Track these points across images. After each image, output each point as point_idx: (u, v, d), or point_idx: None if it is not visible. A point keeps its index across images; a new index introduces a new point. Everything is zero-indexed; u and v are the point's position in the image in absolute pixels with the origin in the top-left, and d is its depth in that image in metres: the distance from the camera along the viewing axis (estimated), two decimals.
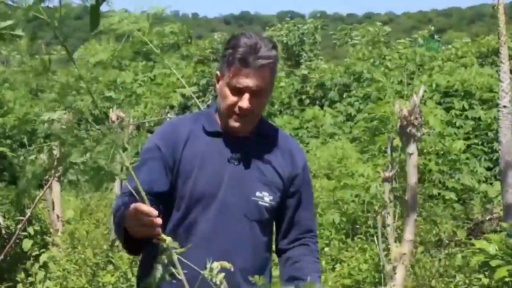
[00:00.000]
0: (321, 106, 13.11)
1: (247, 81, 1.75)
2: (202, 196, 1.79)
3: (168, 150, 1.81)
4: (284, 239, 1.94)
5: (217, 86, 1.86)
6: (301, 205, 1.92)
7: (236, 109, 1.78)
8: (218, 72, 1.86)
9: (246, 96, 1.77)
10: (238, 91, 1.77)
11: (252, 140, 1.86)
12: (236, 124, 1.80)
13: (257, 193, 1.82)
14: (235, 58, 1.76)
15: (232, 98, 1.79)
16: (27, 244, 4.74)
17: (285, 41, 16.37)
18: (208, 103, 12.39)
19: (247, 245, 1.82)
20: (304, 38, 16.69)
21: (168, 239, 1.38)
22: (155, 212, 1.48)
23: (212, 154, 1.82)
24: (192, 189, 1.79)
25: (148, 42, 1.67)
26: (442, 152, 6.72)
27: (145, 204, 1.46)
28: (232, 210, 1.80)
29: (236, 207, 1.80)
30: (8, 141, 10.22)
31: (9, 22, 0.97)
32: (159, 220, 1.48)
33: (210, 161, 1.81)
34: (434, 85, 10.62)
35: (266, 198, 1.83)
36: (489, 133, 9.34)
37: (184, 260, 1.40)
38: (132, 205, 1.53)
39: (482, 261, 4.00)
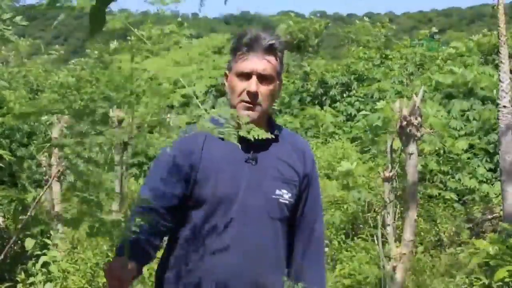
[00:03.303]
0: (321, 105, 13.10)
1: (253, 64, 1.80)
2: (223, 199, 1.80)
3: (184, 157, 1.81)
4: (294, 238, 1.96)
5: (226, 84, 1.89)
6: (308, 201, 1.94)
7: (245, 95, 1.80)
8: (226, 71, 1.89)
9: (254, 79, 1.80)
10: (245, 77, 1.81)
11: (265, 140, 1.87)
12: (246, 113, 1.80)
13: (277, 191, 1.84)
14: (240, 45, 1.82)
15: (240, 85, 1.81)
16: (29, 243, 4.73)
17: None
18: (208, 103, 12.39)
19: (271, 244, 1.84)
20: (309, 37, 16.77)
21: None
22: (126, 277, 1.61)
23: (228, 157, 1.83)
24: (212, 193, 1.80)
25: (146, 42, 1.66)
26: (442, 152, 6.72)
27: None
28: (254, 210, 1.81)
29: (258, 207, 1.81)
30: (7, 141, 10.20)
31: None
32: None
33: (227, 164, 1.82)
34: (434, 85, 10.60)
35: (285, 195, 1.85)
36: (490, 133, 9.32)
37: None
38: (108, 265, 1.64)
39: (481, 261, 3.99)
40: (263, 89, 1.81)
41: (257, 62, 1.80)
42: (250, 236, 1.79)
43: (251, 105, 1.81)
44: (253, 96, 1.80)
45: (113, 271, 1.60)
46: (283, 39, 1.91)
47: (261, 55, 1.80)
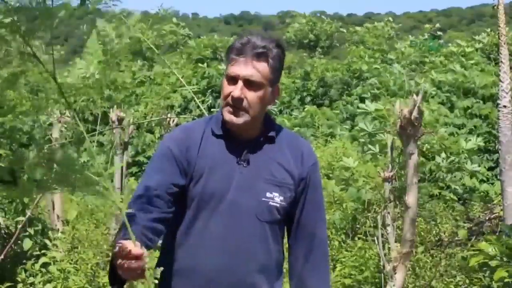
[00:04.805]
0: (322, 105, 13.11)
1: (240, 69, 1.78)
2: (211, 197, 1.80)
3: (182, 152, 1.82)
4: (293, 244, 1.95)
5: None
6: (305, 205, 1.92)
7: (230, 99, 1.80)
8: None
9: (239, 84, 1.78)
10: (232, 80, 1.80)
11: (260, 141, 1.88)
12: (229, 117, 1.81)
13: (268, 194, 1.83)
14: (233, 49, 1.81)
15: (227, 88, 1.81)
16: (27, 244, 4.74)
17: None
18: (208, 104, 12.38)
19: (259, 246, 1.83)
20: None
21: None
22: (143, 254, 1.45)
23: (221, 156, 1.84)
24: (202, 190, 1.81)
25: (149, 43, 1.67)
26: (442, 152, 6.70)
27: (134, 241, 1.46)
28: (243, 211, 1.81)
29: (247, 208, 1.81)
30: (7, 141, 10.18)
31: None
32: (144, 262, 1.45)
33: (220, 163, 1.83)
34: (436, 84, 10.60)
35: (276, 198, 1.84)
36: (492, 132, 9.31)
37: None
38: (119, 244, 1.48)
39: (481, 262, 3.99)
40: (250, 95, 1.79)
41: (244, 68, 1.78)
42: (236, 236, 1.79)
43: (235, 110, 1.80)
44: (237, 101, 1.78)
45: (125, 249, 1.44)
46: (280, 44, 1.85)
47: (250, 61, 1.78)
